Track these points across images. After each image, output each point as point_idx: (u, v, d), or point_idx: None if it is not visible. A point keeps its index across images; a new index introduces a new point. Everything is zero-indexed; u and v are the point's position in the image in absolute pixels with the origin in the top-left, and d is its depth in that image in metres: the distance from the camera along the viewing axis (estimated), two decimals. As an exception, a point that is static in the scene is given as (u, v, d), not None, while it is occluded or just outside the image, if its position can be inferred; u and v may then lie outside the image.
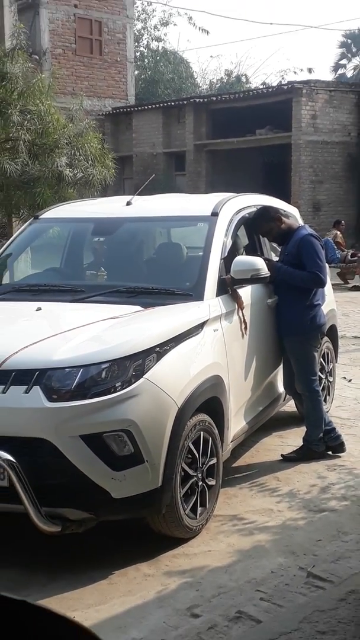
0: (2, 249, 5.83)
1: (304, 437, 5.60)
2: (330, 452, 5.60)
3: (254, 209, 5.78)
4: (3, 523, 4.23)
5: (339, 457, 5.56)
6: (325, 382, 6.25)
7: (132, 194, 5.95)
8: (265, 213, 5.69)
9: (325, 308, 5.82)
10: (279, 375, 5.81)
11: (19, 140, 11.83)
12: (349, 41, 43.99)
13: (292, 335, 5.53)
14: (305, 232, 5.61)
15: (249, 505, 4.77)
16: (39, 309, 4.66)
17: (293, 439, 5.89)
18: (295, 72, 32.47)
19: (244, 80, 34.24)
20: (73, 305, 4.79)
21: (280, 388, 5.86)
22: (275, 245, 6.01)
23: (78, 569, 3.93)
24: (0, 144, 12.12)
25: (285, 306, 5.51)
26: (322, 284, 5.53)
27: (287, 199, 12.70)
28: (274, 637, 2.92)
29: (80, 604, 3.56)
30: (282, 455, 5.60)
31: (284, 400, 6.01)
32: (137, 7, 29.17)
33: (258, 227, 5.72)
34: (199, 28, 30.16)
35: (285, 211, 6.10)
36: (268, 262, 5.35)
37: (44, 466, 3.79)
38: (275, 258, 5.82)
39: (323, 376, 6.13)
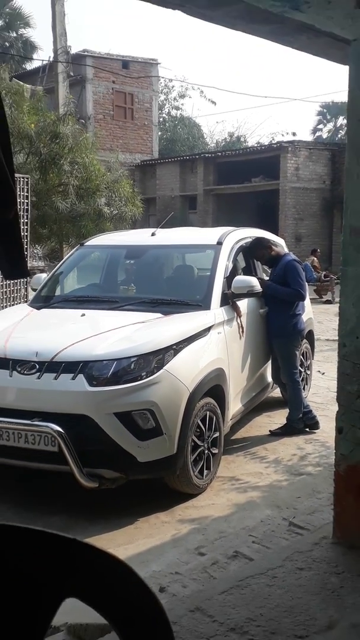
0: (55, 269, 5.83)
1: (287, 416, 5.57)
2: (307, 429, 5.57)
3: (250, 239, 5.77)
4: (53, 481, 4.24)
5: (314, 432, 5.53)
6: (304, 375, 6.21)
7: (156, 228, 5.96)
8: (259, 242, 5.69)
9: (304, 317, 5.79)
10: (268, 369, 5.78)
11: (68, 185, 11.91)
12: (325, 110, 43.88)
13: (279, 338, 5.51)
14: (289, 258, 5.60)
15: (243, 469, 4.75)
16: (83, 315, 4.67)
17: (278, 418, 5.86)
18: (282, 135, 32.34)
19: (243, 140, 34.18)
20: (109, 312, 4.80)
21: (269, 379, 5.83)
22: (266, 267, 6.00)
23: (111, 517, 3.93)
24: (54, 188, 12.19)
25: (274, 315, 5.49)
26: (303, 298, 5.53)
27: (276, 232, 12.66)
28: (262, 571, 2.90)
29: (112, 544, 3.55)
30: (270, 430, 5.57)
31: (271, 388, 5.98)
32: (161, 82, 29.17)
33: (254, 253, 5.71)
34: (209, 100, 30.09)
35: (274, 241, 6.08)
36: (261, 281, 5.34)
37: (85, 436, 3.80)
38: (266, 277, 5.81)
39: (302, 370, 6.10)
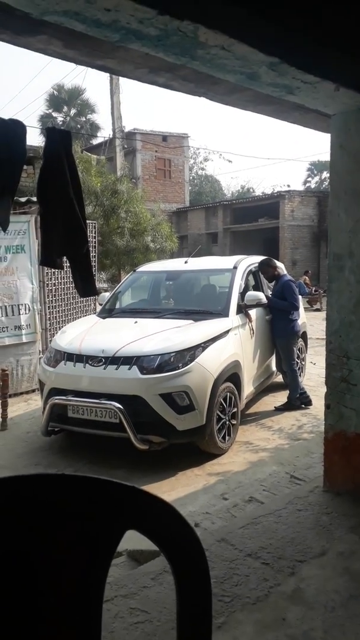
0: (115, 289, 5.88)
1: (288, 396, 5.49)
2: (303, 406, 5.47)
3: (258, 262, 5.72)
4: (116, 444, 4.28)
5: (308, 408, 5.42)
6: (300, 364, 6.12)
7: (188, 257, 5.96)
8: (269, 261, 5.63)
9: (300, 321, 5.70)
10: (272, 361, 5.71)
11: (124, 227, 12.01)
12: (312, 167, 43.28)
13: (281, 338, 5.45)
14: (287, 278, 5.54)
15: (255, 435, 4.71)
16: (135, 322, 4.70)
17: (281, 397, 5.78)
18: (281, 186, 32.11)
19: (252, 190, 33.97)
20: (154, 320, 4.82)
21: (273, 368, 5.75)
22: (270, 285, 5.95)
23: (158, 471, 3.93)
24: (114, 230, 12.29)
25: (277, 320, 5.43)
26: (297, 309, 5.45)
27: (277, 258, 12.55)
28: (271, 512, 2.86)
29: (158, 490, 3.54)
30: (274, 407, 5.49)
31: (275, 375, 5.91)
32: (191, 150, 29.23)
33: (262, 268, 5.61)
34: (227, 160, 30.05)
35: (278, 264, 6.00)
36: (267, 296, 5.30)
37: (138, 411, 3.82)
38: (269, 292, 5.76)
39: (299, 361, 6.00)
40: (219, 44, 1.79)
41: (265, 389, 5.73)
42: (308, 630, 1.91)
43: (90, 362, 4.02)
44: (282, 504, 2.96)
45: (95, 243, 8.53)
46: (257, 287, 5.66)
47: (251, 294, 5.04)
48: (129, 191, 12.60)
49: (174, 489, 3.63)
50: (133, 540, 1.03)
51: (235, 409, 4.44)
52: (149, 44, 1.76)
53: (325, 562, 2.36)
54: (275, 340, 5.50)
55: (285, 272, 6.20)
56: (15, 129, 2.14)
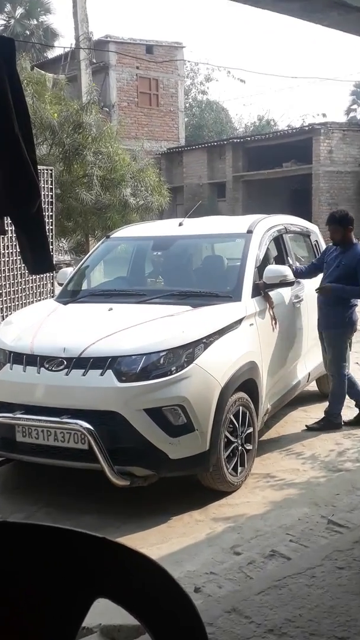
0: (81, 262, 5.88)
1: (326, 410, 5.52)
2: (343, 424, 5.49)
3: (281, 227, 5.72)
4: (84, 479, 4.28)
5: (344, 429, 5.42)
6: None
7: (183, 218, 5.95)
8: (347, 217, 5.45)
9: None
10: (303, 361, 5.73)
11: (93, 176, 11.94)
12: (359, 90, 43.23)
13: (332, 329, 5.43)
14: None
15: (279, 465, 4.74)
16: (110, 309, 4.69)
17: (315, 412, 5.82)
18: (313, 117, 32.03)
19: (272, 123, 33.85)
20: (137, 306, 4.81)
21: (304, 371, 5.77)
22: (298, 255, 5.94)
23: (143, 515, 3.96)
24: (78, 180, 12.25)
25: (328, 307, 5.39)
26: None
27: (309, 219, 12.52)
28: (301, 571, 2.89)
29: (145, 543, 3.57)
30: (306, 425, 5.53)
31: (307, 381, 5.94)
32: (186, 67, 29.05)
33: (332, 226, 5.40)
34: (238, 79, 29.74)
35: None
36: (324, 285, 5.29)
37: (115, 433, 3.83)
38: (299, 265, 5.76)
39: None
40: None
41: (293, 400, 5.76)
42: None
43: (47, 366, 4.03)
44: (316, 559, 2.99)
45: (51, 198, 8.51)
46: (281, 258, 5.67)
47: (273, 268, 5.05)
48: (99, 125, 12.54)
49: (166, 541, 3.66)
50: (108, 611, 1.04)
51: (250, 429, 4.46)
52: None
53: (376, 639, 2.39)
54: (324, 333, 5.49)
55: (321, 238, 6.20)
56: None
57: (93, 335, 4.15)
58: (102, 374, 3.88)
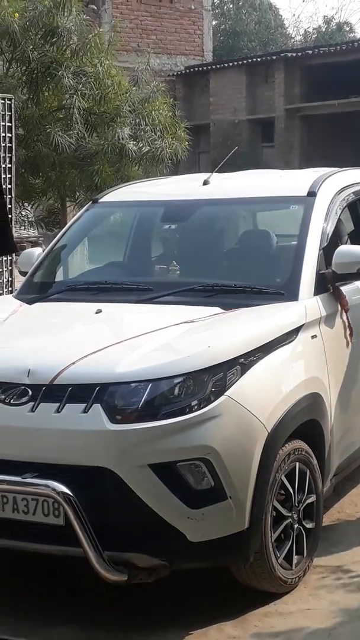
0: (55, 239, 5.90)
1: None
2: None
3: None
4: (59, 570, 4.28)
5: None
6: None
7: (210, 171, 5.96)
8: None
9: None
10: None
11: (72, 108, 11.95)
12: None
13: None
14: None
15: (356, 554, 4.71)
16: (99, 311, 4.70)
17: None
18: None
19: (347, 29, 33.93)
20: (139, 307, 4.82)
21: None
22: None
23: (148, 628, 3.94)
24: (51, 114, 12.31)
25: None
26: None
27: None
28: None
29: None
30: None
31: None
32: None
33: None
34: None
35: None
36: None
37: (106, 501, 3.83)
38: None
39: None
40: None
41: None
42: None
43: (3, 397, 4.05)
44: None
45: (9, 142, 8.56)
46: (360, 234, 5.67)
47: (347, 250, 5.05)
48: (82, 31, 12.57)
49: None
50: None
51: (312, 498, 4.45)
52: None
53: None
54: None
55: None
56: None
57: (72, 351, 4.15)
58: (85, 411, 3.88)
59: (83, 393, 3.92)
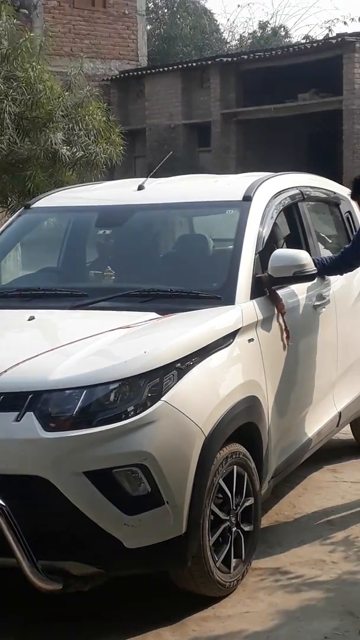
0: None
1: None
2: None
3: (296, 191, 5.77)
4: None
5: None
6: None
7: (145, 176, 5.97)
8: None
9: None
10: (331, 395, 5.77)
11: (3, 113, 11.90)
12: None
13: None
14: None
15: (295, 555, 4.75)
16: (31, 318, 4.67)
17: (349, 473, 5.86)
18: (345, 23, 32.43)
19: (282, 33, 34.26)
20: (74, 313, 4.81)
21: (332, 411, 5.81)
22: (322, 234, 5.99)
23: (84, 636, 3.93)
24: (-20, 119, 12.22)
25: None
26: None
27: (338, 178, 12.61)
28: None
29: None
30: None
31: (337, 426, 5.97)
32: None
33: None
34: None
35: (334, 194, 6.03)
36: (318, 261, 5.37)
37: (40, 510, 3.81)
38: (322, 249, 5.81)
39: None
40: None
41: (315, 455, 5.80)
42: None
43: None
44: None
45: None
46: (296, 239, 5.74)
47: (283, 254, 5.09)
48: (12, 35, 12.51)
49: None
50: None
51: (250, 501, 4.48)
52: None
53: None
54: None
55: (356, 208, 6.27)
56: None
57: (4, 359, 4.13)
58: (18, 419, 3.85)
59: (15, 401, 3.90)
